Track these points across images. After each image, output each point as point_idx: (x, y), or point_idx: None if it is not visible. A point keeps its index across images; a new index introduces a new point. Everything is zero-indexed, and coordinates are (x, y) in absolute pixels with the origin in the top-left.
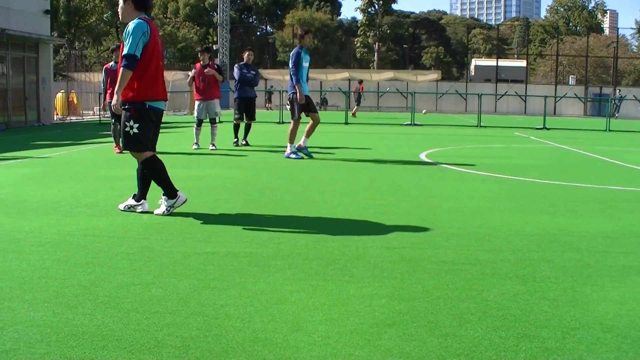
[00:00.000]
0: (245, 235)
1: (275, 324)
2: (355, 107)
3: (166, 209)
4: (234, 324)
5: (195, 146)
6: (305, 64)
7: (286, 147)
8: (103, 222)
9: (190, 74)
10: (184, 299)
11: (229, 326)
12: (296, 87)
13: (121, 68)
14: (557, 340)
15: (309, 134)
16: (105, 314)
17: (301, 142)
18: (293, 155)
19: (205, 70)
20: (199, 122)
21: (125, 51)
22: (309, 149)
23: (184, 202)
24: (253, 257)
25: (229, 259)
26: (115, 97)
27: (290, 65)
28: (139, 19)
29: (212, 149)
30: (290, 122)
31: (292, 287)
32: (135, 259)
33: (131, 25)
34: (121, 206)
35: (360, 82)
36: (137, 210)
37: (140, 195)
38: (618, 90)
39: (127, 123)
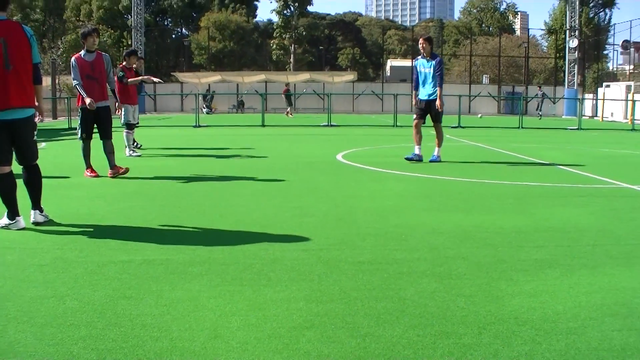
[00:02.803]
0: (161, 242)
1: (193, 332)
2: (289, 108)
3: (2, 224)
4: (151, 333)
5: (133, 152)
6: (421, 69)
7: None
8: (14, 233)
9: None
10: (100, 310)
11: (146, 336)
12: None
13: None
14: (474, 335)
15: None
16: (18, 330)
17: (435, 152)
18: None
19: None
20: (132, 126)
21: None
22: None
23: (19, 229)
24: (169, 264)
25: (145, 266)
26: None
27: None
28: None
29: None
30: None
31: (209, 294)
32: (49, 270)
33: None
34: None
35: (287, 84)
36: (12, 229)
37: (12, 212)
38: (539, 88)
39: None
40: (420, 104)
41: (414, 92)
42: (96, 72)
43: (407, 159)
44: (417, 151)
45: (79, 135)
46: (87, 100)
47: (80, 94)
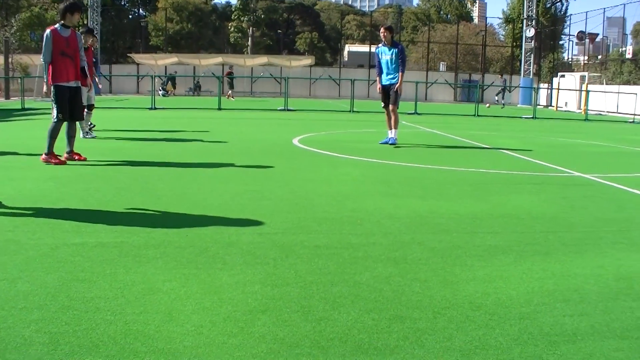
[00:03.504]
0: (116, 224)
1: (147, 315)
2: (230, 91)
3: None
4: (104, 316)
5: (88, 135)
6: (382, 57)
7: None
8: None
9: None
10: (52, 293)
11: (99, 319)
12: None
13: None
14: (429, 320)
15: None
16: None
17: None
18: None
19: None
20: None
21: None
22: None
23: None
24: (124, 246)
25: (99, 249)
26: None
27: None
28: None
29: (92, 137)
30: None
31: (164, 277)
32: (0, 253)
33: None
34: None
35: (230, 67)
36: None
37: None
38: (500, 76)
39: None
40: (382, 89)
41: (378, 77)
42: (70, 50)
43: (381, 143)
44: (390, 134)
45: (55, 115)
46: (45, 88)
47: (45, 74)
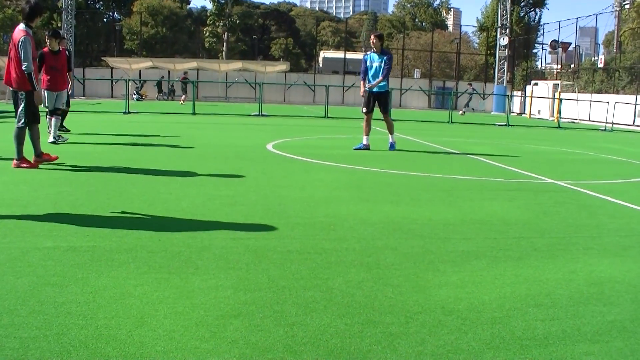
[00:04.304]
0: (87, 228)
1: (119, 320)
2: (184, 95)
3: None
4: (75, 321)
5: (60, 139)
6: (372, 64)
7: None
8: None
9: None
10: (23, 297)
11: (70, 324)
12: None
13: None
14: (401, 325)
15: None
16: None
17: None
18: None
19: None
20: (53, 112)
21: None
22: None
23: None
24: (95, 251)
25: (71, 253)
26: None
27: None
28: None
29: (63, 141)
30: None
31: (136, 281)
32: None
33: None
34: None
35: (185, 73)
36: None
37: None
38: (469, 85)
39: None
40: (368, 95)
41: (362, 82)
42: (35, 54)
43: (355, 149)
44: (365, 141)
45: (23, 121)
46: (38, 94)
47: (32, 81)
